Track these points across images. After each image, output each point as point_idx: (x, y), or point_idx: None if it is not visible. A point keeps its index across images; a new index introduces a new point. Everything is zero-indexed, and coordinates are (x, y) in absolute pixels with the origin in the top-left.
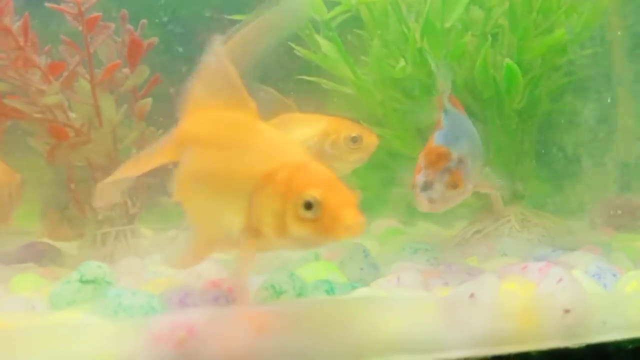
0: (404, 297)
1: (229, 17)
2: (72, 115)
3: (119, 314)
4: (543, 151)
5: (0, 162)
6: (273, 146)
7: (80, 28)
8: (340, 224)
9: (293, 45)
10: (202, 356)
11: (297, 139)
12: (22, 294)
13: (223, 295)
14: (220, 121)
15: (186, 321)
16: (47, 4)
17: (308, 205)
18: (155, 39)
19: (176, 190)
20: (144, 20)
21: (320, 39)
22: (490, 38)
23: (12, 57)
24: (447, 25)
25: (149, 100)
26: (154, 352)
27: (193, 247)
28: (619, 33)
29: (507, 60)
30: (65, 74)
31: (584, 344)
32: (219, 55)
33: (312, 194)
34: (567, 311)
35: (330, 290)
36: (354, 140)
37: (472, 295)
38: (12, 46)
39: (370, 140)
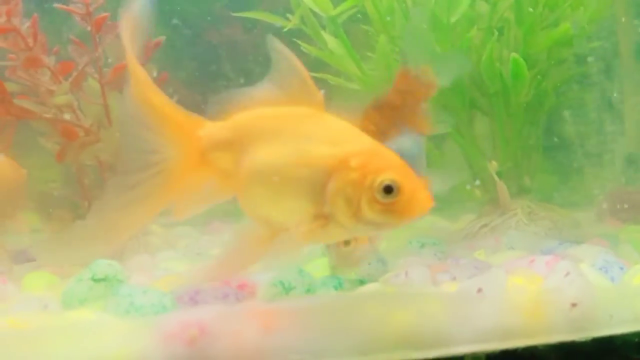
0: (412, 293)
1: (234, 14)
2: (82, 115)
3: (130, 313)
4: (550, 144)
5: (6, 158)
6: (342, 134)
7: (89, 28)
8: (417, 206)
9: (299, 42)
10: (214, 353)
11: None
12: (35, 292)
13: (233, 293)
14: (285, 115)
15: (197, 319)
16: (55, 5)
17: (387, 189)
18: (162, 38)
19: (239, 188)
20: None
21: (326, 35)
22: (496, 32)
23: (21, 57)
24: (453, 19)
25: None
26: (167, 351)
27: (251, 245)
28: (624, 25)
29: (514, 55)
30: (75, 73)
31: (591, 338)
32: (285, 52)
33: (391, 177)
34: (574, 305)
35: (338, 286)
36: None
37: (479, 290)
38: (21, 47)
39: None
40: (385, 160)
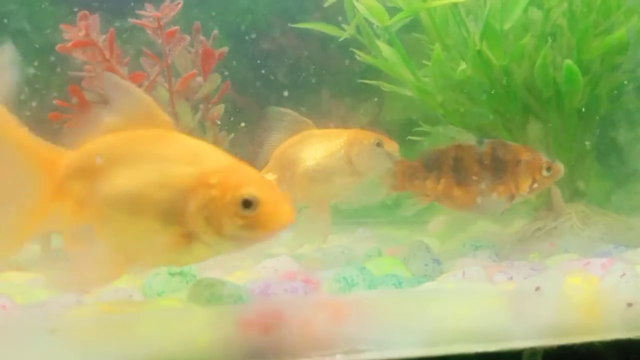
0: (471, 290)
1: (292, 25)
2: None
3: (211, 302)
4: (604, 149)
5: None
6: (198, 153)
7: (160, 40)
8: (278, 219)
9: (355, 51)
10: (287, 340)
11: (322, 154)
12: (116, 285)
13: (300, 286)
14: (137, 138)
15: (272, 309)
16: (130, 20)
17: (246, 203)
18: (226, 49)
19: (86, 215)
20: (215, 32)
21: (380, 44)
22: (549, 39)
23: (98, 69)
24: (507, 27)
25: (221, 106)
26: (246, 337)
27: (111, 267)
28: None
29: (567, 61)
30: (146, 83)
31: None
32: (122, 83)
33: (249, 192)
34: (630, 304)
35: (398, 284)
36: (378, 145)
37: (537, 289)
38: (98, 59)
39: (392, 146)
40: (243, 176)
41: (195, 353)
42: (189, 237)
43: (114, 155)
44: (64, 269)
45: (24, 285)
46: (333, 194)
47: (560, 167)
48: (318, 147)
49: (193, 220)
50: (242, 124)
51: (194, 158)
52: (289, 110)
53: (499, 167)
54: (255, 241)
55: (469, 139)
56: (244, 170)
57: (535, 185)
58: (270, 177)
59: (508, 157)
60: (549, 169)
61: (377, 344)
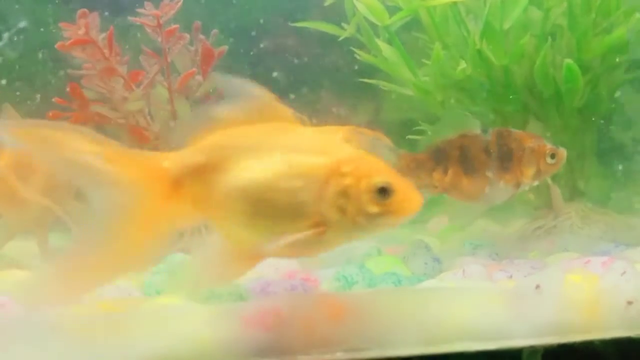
0: (470, 288)
1: (292, 24)
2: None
3: (211, 300)
4: (604, 149)
5: None
6: (325, 143)
7: (159, 39)
8: (410, 204)
9: (354, 50)
10: (287, 338)
11: None
12: (116, 282)
13: (300, 285)
14: (262, 130)
15: (273, 307)
16: (130, 18)
17: (382, 190)
18: (225, 48)
19: (206, 211)
20: (215, 30)
21: (380, 43)
22: (549, 38)
23: (98, 67)
24: (506, 26)
25: None
26: (246, 335)
27: (238, 263)
28: None
29: (567, 60)
30: (145, 82)
31: None
32: (229, 77)
33: (384, 179)
34: (630, 303)
35: (397, 283)
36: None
37: (537, 287)
38: (98, 57)
39: (389, 141)
40: (373, 164)
41: (196, 351)
42: (320, 227)
43: (235, 149)
44: (189, 269)
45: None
46: None
47: (563, 153)
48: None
49: (327, 209)
50: None
51: (323, 148)
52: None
53: (505, 155)
54: (387, 227)
55: (475, 125)
56: (372, 159)
57: (540, 172)
58: None
59: (513, 144)
60: (553, 155)
61: (377, 341)
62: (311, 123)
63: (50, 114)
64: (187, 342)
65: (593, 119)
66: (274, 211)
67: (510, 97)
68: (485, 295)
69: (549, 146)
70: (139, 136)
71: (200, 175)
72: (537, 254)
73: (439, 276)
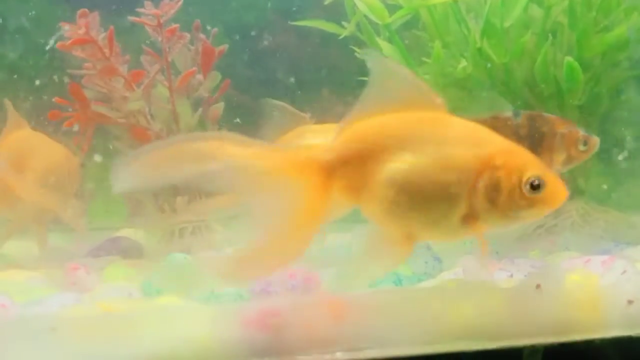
0: (471, 288)
1: (292, 23)
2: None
3: (211, 300)
4: (605, 147)
5: (59, 145)
6: (477, 135)
7: (160, 38)
8: (557, 196)
9: (354, 49)
10: (288, 339)
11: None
12: (116, 283)
13: (300, 285)
14: (414, 120)
15: (273, 307)
16: (130, 17)
17: (533, 184)
18: (225, 46)
19: (360, 199)
20: (215, 29)
21: (380, 41)
22: (550, 36)
23: (98, 66)
24: (507, 24)
25: (221, 104)
26: (246, 335)
27: (396, 249)
28: None
29: (568, 58)
30: (146, 81)
31: None
32: (387, 61)
33: (536, 173)
34: (630, 302)
35: (398, 282)
36: None
37: (538, 286)
38: (98, 57)
39: None
40: (525, 157)
41: (196, 351)
42: (470, 217)
43: (389, 139)
44: (356, 261)
45: (24, 283)
46: None
47: (596, 141)
48: (314, 143)
49: (478, 200)
50: (237, 120)
51: (477, 140)
52: (284, 104)
53: (536, 140)
54: (533, 219)
55: (506, 107)
56: (523, 151)
57: (571, 159)
58: None
59: (544, 128)
60: (585, 142)
61: (378, 341)
62: (313, 120)
63: (50, 114)
64: (187, 342)
65: (594, 116)
66: (426, 202)
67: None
68: (485, 294)
69: (581, 132)
70: (140, 136)
71: (354, 164)
72: (537, 252)
73: (439, 275)
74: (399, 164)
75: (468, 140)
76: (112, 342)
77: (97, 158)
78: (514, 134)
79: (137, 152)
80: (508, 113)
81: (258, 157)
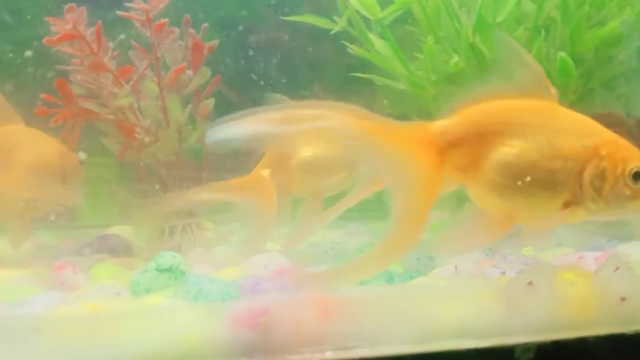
0: (462, 285)
1: (283, 18)
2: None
3: (199, 299)
4: None
5: (53, 141)
6: (584, 126)
7: (148, 33)
8: None
9: (346, 44)
10: (277, 337)
11: (318, 145)
12: (104, 282)
13: (290, 283)
14: (525, 108)
15: (262, 306)
16: (118, 12)
17: (637, 176)
18: (216, 42)
19: (467, 179)
20: (205, 24)
21: (372, 37)
22: (543, 31)
23: (86, 62)
24: (499, 19)
25: (211, 100)
26: (234, 334)
27: (493, 229)
28: None
29: (561, 53)
30: (135, 77)
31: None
32: (516, 47)
33: (639, 164)
34: (623, 299)
35: (390, 280)
36: None
37: (530, 283)
38: (86, 52)
39: None
40: (629, 149)
41: (184, 350)
42: (571, 203)
43: (502, 125)
44: (450, 234)
45: (9, 282)
46: (329, 186)
47: None
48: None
49: (583, 188)
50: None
51: (584, 131)
52: (285, 98)
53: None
54: (634, 211)
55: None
56: (628, 144)
57: None
58: (265, 172)
59: None
60: None
61: (367, 340)
62: None
63: (37, 109)
64: (174, 342)
65: (587, 112)
66: (532, 188)
67: None
68: (477, 292)
69: None
70: (128, 132)
71: (466, 145)
72: (530, 249)
73: (431, 273)
74: (510, 149)
75: (576, 131)
76: (98, 342)
77: (83, 155)
78: (627, 133)
79: (239, 113)
80: (622, 112)
81: (373, 129)
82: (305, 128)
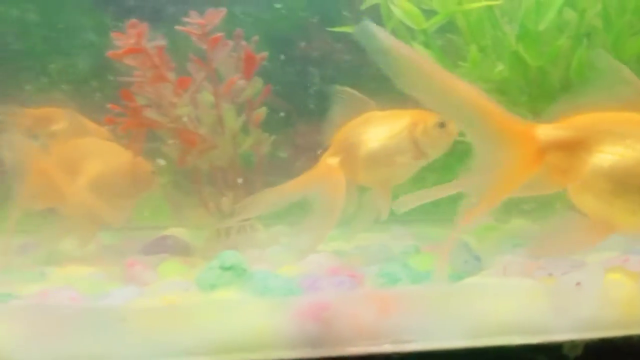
0: (512, 285)
1: (329, 29)
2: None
3: (265, 294)
4: None
5: (124, 152)
6: None
7: (205, 47)
8: None
9: None
10: (337, 330)
11: (386, 135)
12: (171, 278)
13: (347, 280)
14: (629, 120)
15: (324, 301)
16: (176, 27)
17: None
18: (266, 53)
19: (568, 182)
20: (256, 37)
21: (416, 46)
22: (584, 39)
23: (148, 74)
24: (541, 28)
25: (263, 109)
26: (299, 327)
27: (593, 233)
28: None
29: None
30: (192, 88)
31: None
32: (616, 64)
33: None
34: None
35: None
36: (441, 125)
37: (578, 284)
38: (148, 65)
39: (453, 125)
40: None
41: (253, 340)
42: None
43: (605, 133)
44: (549, 237)
45: (87, 278)
46: (396, 175)
47: None
48: (381, 128)
49: None
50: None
51: None
52: (352, 91)
53: None
54: None
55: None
56: None
57: None
58: (333, 160)
59: None
60: None
61: (423, 335)
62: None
63: (106, 119)
64: (245, 332)
65: None
66: (632, 195)
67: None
68: (526, 291)
69: None
70: (187, 139)
71: (566, 148)
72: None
73: (479, 274)
74: (612, 156)
75: None
76: (177, 331)
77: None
78: None
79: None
80: None
81: (487, 112)
82: (446, 87)
